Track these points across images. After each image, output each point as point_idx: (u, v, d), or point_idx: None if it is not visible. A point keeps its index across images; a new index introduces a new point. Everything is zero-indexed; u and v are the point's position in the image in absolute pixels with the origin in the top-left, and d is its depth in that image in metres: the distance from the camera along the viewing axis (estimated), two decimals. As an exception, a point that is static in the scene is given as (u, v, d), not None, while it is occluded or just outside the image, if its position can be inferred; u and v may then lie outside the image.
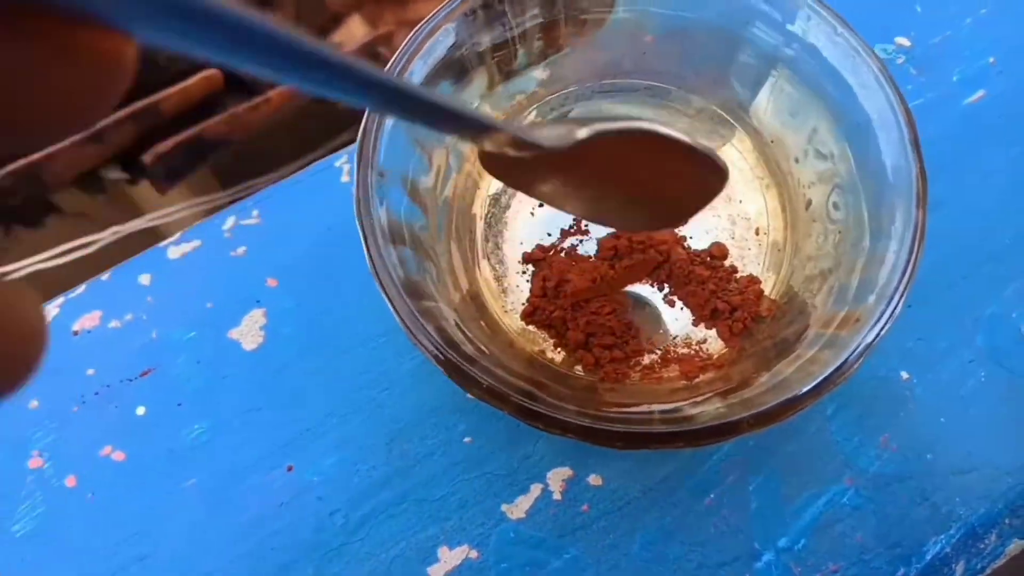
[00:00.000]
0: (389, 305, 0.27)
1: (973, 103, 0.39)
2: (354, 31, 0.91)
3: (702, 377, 0.32)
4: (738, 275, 0.35)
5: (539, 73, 0.36)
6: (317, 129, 0.92)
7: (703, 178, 0.28)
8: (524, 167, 0.25)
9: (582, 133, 0.24)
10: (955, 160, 0.38)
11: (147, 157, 0.81)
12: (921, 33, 0.41)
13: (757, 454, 0.34)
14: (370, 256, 0.28)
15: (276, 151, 0.92)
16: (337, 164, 0.39)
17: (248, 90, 0.85)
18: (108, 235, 0.85)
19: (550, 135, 0.23)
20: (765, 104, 0.35)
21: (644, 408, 0.29)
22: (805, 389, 0.26)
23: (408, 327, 0.27)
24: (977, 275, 0.36)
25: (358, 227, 0.28)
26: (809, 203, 0.34)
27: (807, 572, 0.32)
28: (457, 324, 0.30)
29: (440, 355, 0.27)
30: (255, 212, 0.38)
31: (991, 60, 0.40)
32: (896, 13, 0.41)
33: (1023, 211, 0.37)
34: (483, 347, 0.30)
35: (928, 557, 0.32)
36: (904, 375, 0.35)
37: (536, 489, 0.34)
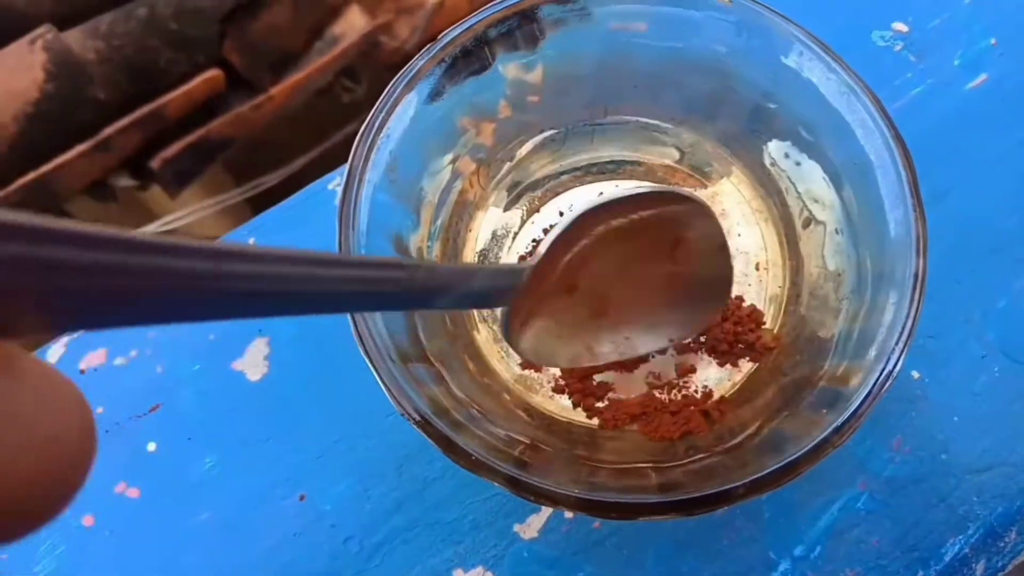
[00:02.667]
0: (375, 374, 0.27)
1: (975, 88, 0.38)
2: (354, 21, 0.90)
3: (703, 432, 0.31)
4: (742, 307, 0.34)
5: (528, 115, 0.35)
6: (323, 121, 0.91)
7: (697, 228, 0.29)
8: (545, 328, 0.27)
9: (541, 247, 0.26)
10: (958, 148, 0.37)
11: (155, 163, 0.81)
12: (919, 17, 0.40)
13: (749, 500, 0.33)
14: (354, 322, 0.27)
15: (286, 145, 0.92)
16: (330, 187, 0.39)
17: (251, 88, 0.84)
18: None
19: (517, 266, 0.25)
20: (760, 139, 0.34)
21: (641, 465, 0.29)
22: (801, 453, 0.25)
23: (394, 397, 0.26)
24: (985, 267, 0.35)
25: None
26: (807, 243, 0.33)
27: (824, 579, 0.32)
28: (446, 382, 0.30)
29: (428, 425, 0.26)
30: (251, 240, 0.38)
31: (992, 42, 0.39)
32: (893, -2, 0.40)
33: (1031, 198, 0.36)
34: (474, 406, 0.29)
35: (947, 559, 0.32)
36: (915, 374, 0.34)
37: (547, 508, 0.34)
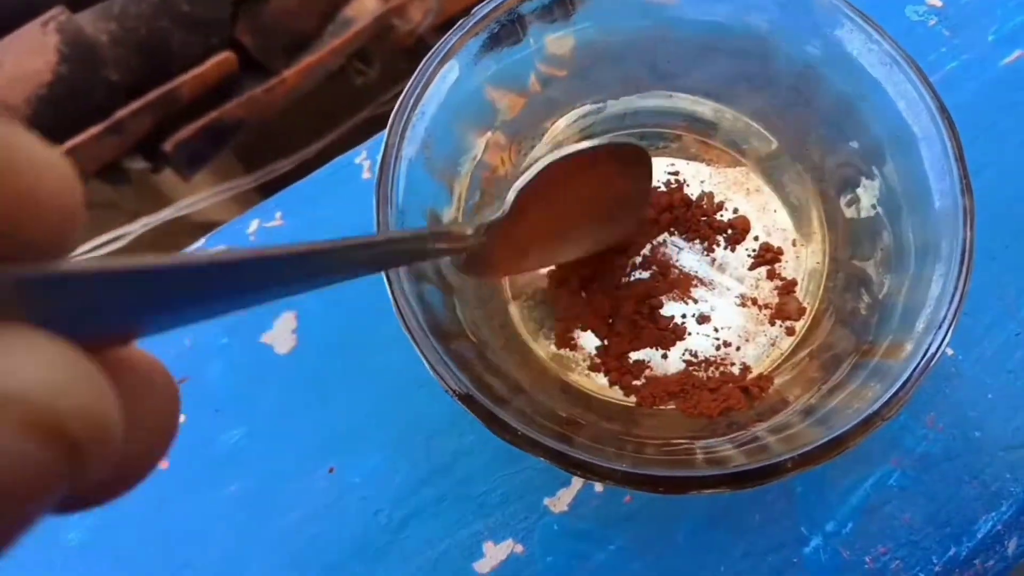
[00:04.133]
0: (417, 350, 0.27)
1: (1010, 64, 0.38)
2: (366, 4, 0.90)
3: (743, 408, 0.31)
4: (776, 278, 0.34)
5: (560, 91, 0.35)
6: (335, 106, 0.91)
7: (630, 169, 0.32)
8: (497, 255, 0.28)
9: (510, 195, 0.27)
10: (993, 124, 0.37)
11: (167, 145, 0.81)
12: (953, -8, 0.39)
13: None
14: (395, 300, 0.27)
15: (297, 131, 0.92)
16: (357, 161, 0.39)
17: (263, 71, 0.84)
18: (139, 227, 0.85)
19: (488, 214, 0.27)
20: (797, 113, 0.34)
21: (684, 443, 0.29)
22: (850, 426, 0.25)
23: (437, 373, 0.26)
24: (1019, 244, 0.35)
25: (383, 273, 0.28)
26: (848, 217, 0.33)
27: (856, 555, 0.32)
28: (486, 358, 0.30)
29: (471, 399, 0.26)
30: (278, 214, 0.38)
31: (1028, 17, 0.39)
32: (927, -27, 0.40)
33: (1067, 175, 0.36)
34: (515, 383, 0.29)
35: (979, 535, 0.32)
36: (949, 351, 0.34)
37: (577, 482, 0.33)
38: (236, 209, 0.90)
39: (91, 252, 0.82)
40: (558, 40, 0.33)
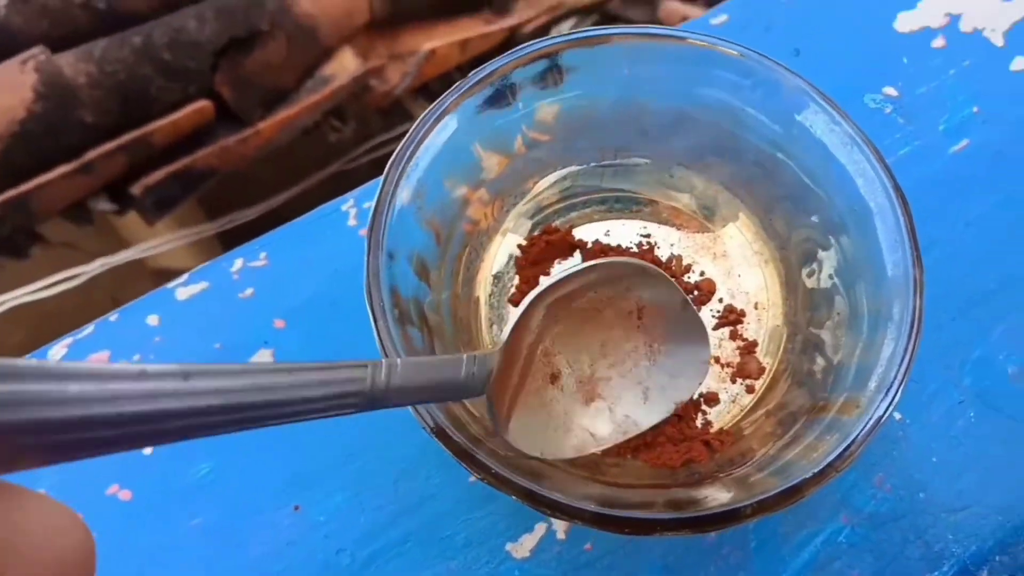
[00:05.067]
0: None
1: (958, 152, 0.41)
2: (346, 64, 0.92)
3: (704, 460, 0.33)
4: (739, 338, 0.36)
5: (543, 153, 0.37)
6: (307, 161, 0.92)
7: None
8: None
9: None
10: (941, 206, 0.39)
11: (136, 188, 0.81)
12: (908, 83, 0.42)
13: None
14: (380, 340, 0.28)
15: (265, 183, 0.92)
16: (343, 208, 0.40)
17: (239, 122, 0.85)
18: (96, 267, 0.85)
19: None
20: (763, 184, 0.36)
21: (647, 487, 0.30)
22: (809, 475, 0.27)
23: (416, 409, 0.27)
24: (964, 318, 0.37)
25: (367, 308, 0.29)
26: (807, 285, 0.35)
27: (806, 610, 0.33)
28: (463, 402, 0.31)
29: (447, 436, 0.27)
30: (262, 254, 0.39)
31: (975, 109, 0.42)
32: (884, 64, 0.43)
33: (1008, 256, 0.38)
34: (488, 427, 0.30)
35: (922, 594, 0.33)
36: (897, 416, 0.36)
37: (540, 528, 0.34)
38: (195, 255, 0.90)
39: (45, 290, 0.81)
40: (545, 107, 0.35)
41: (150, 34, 0.74)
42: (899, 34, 0.44)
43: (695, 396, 0.34)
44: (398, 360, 0.24)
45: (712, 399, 0.34)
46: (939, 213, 0.39)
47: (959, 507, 0.34)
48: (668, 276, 0.31)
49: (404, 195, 0.31)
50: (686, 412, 0.33)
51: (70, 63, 0.71)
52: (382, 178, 0.30)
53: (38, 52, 0.69)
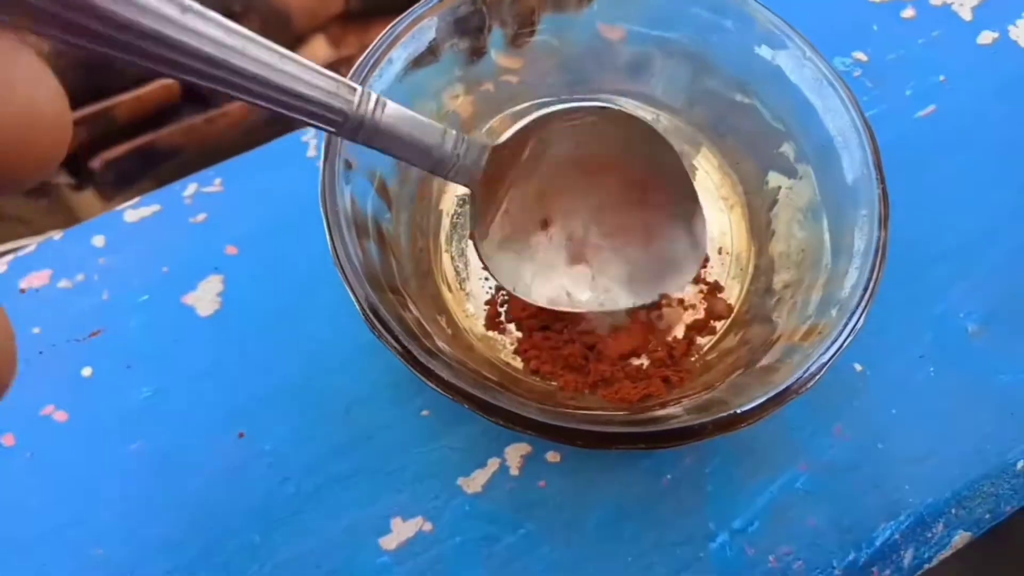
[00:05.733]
0: (351, 294, 0.27)
1: (924, 117, 0.41)
2: (317, 52, 0.91)
3: (662, 395, 0.32)
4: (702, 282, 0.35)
5: (510, 76, 0.36)
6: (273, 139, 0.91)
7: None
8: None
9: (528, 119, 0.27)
10: (905, 168, 0.39)
11: (96, 163, 0.79)
12: (877, 50, 0.43)
13: (714, 438, 0.34)
14: (333, 245, 0.27)
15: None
16: (304, 139, 0.39)
17: (205, 102, 0.84)
18: (37, 241, 0.82)
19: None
20: (732, 125, 0.36)
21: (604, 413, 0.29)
22: (769, 395, 0.26)
23: (368, 316, 0.26)
24: (927, 276, 0.37)
25: (322, 215, 0.28)
26: (773, 223, 0.35)
27: (760, 554, 0.32)
28: (419, 321, 0.30)
29: (400, 346, 0.26)
30: (217, 180, 0.38)
31: (941, 78, 0.42)
32: (855, 30, 0.43)
33: (969, 217, 0.39)
34: (444, 345, 0.29)
35: (878, 543, 0.33)
36: (858, 367, 0.35)
37: (493, 464, 0.33)
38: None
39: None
40: (515, 44, 0.35)
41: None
42: (870, 3, 0.44)
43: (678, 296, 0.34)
44: (389, 101, 0.23)
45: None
46: (903, 173, 0.39)
47: (917, 458, 0.34)
48: (671, 145, 0.30)
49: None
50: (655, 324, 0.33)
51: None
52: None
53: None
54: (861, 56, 0.42)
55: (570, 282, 0.31)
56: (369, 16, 0.94)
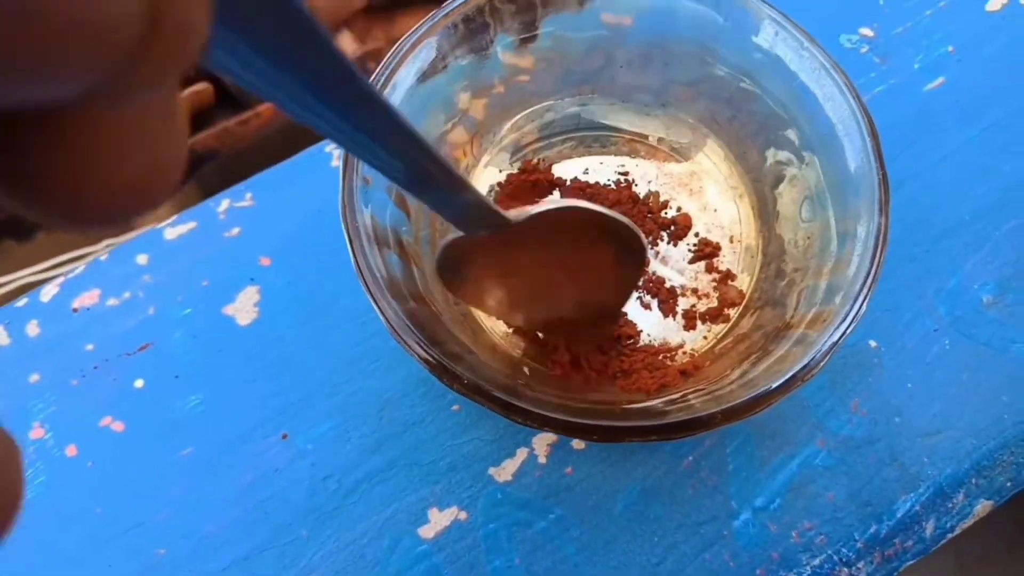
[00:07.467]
0: (374, 306, 0.28)
1: (933, 89, 0.41)
2: (344, 46, 0.92)
3: (679, 386, 0.33)
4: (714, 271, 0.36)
5: (521, 77, 0.37)
6: (304, 142, 0.93)
7: (627, 256, 0.32)
8: (480, 269, 0.29)
9: (531, 210, 0.28)
10: (916, 141, 0.40)
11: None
12: (884, 24, 0.43)
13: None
14: (355, 259, 0.29)
15: (261, 166, 0.93)
16: (327, 149, 0.41)
17: (239, 105, 0.86)
18: (102, 248, 0.85)
19: (509, 213, 0.27)
20: (736, 113, 0.36)
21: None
22: (775, 385, 0.27)
23: (392, 327, 0.28)
24: (938, 249, 0.38)
25: (343, 230, 0.29)
26: (780, 211, 0.36)
27: (783, 530, 0.34)
28: (441, 322, 0.31)
29: (424, 353, 0.28)
30: (248, 195, 0.40)
31: (950, 49, 0.42)
32: (861, 5, 0.43)
33: (980, 188, 0.39)
34: (467, 346, 0.31)
35: (899, 515, 0.34)
36: (872, 343, 0.36)
37: (522, 453, 0.35)
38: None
39: (50, 270, 0.82)
40: (522, 47, 0.36)
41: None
42: (877, -22, 0.44)
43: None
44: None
45: (691, 326, 0.35)
46: (914, 148, 0.40)
47: (934, 431, 0.35)
48: (639, 233, 0.31)
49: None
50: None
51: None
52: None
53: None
54: (868, 32, 0.43)
55: (527, 314, 0.34)
56: (393, 8, 0.95)
